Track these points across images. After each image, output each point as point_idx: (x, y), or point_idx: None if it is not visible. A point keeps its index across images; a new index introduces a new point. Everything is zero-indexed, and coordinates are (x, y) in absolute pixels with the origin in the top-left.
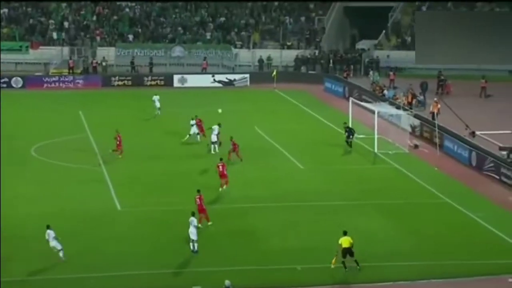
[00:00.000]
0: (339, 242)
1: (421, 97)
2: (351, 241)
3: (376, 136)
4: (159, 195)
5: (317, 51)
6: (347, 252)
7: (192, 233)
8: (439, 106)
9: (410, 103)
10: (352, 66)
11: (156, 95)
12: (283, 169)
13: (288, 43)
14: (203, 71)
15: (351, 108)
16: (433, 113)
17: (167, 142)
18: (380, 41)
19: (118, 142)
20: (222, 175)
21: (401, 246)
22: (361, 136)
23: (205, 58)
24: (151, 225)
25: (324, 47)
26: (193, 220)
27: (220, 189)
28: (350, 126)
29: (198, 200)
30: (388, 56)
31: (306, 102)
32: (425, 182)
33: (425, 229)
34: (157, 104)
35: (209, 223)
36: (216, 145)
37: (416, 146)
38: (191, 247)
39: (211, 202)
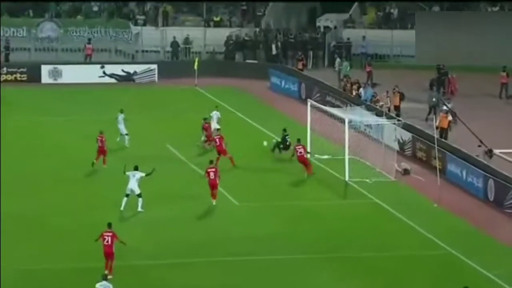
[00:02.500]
0: None
1: (449, 105)
2: None
3: (347, 157)
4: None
5: (258, 30)
6: None
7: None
8: (450, 118)
9: (397, 108)
10: (311, 53)
11: (217, 109)
12: (209, 206)
13: (215, 18)
14: (87, 60)
15: (310, 115)
16: (442, 129)
17: (35, 164)
18: (352, 16)
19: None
20: (213, 184)
21: None
22: (325, 157)
23: (89, 40)
24: None
25: (269, 24)
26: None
27: (214, 202)
28: (286, 138)
29: (108, 238)
30: (364, 37)
31: (243, 106)
32: (420, 225)
33: None
34: (216, 124)
35: (109, 276)
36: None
37: (406, 172)
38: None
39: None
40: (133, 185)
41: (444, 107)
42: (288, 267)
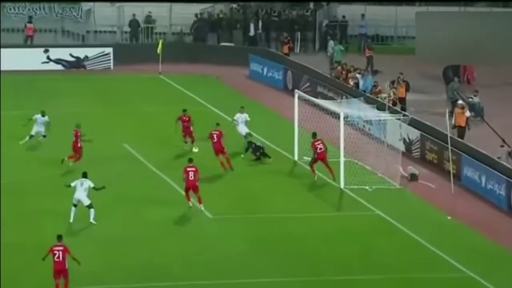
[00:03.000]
0: None
1: (474, 98)
2: None
3: (342, 160)
4: None
5: (235, 7)
6: None
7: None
8: (467, 114)
9: (402, 100)
10: (299, 34)
11: (242, 111)
12: (174, 219)
13: None
14: (28, 42)
15: (297, 109)
16: (459, 127)
17: None
18: None
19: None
20: (192, 186)
21: None
22: None
23: (30, 19)
24: None
25: None
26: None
27: (202, 207)
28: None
29: (59, 253)
30: (363, 15)
31: (217, 99)
32: (430, 242)
33: None
34: (242, 129)
35: None
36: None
37: (413, 177)
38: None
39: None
40: (80, 195)
41: (460, 102)
42: None
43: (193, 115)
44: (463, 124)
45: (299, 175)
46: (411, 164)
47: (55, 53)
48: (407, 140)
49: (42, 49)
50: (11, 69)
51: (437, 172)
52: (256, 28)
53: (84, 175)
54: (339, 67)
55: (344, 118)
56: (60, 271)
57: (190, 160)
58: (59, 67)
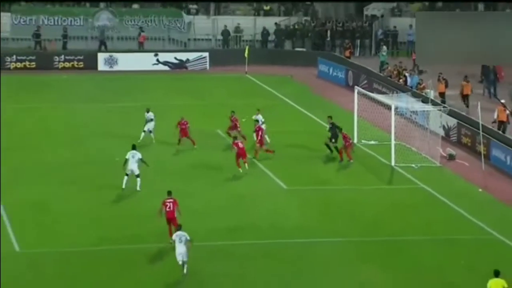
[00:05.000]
0: (488, 286)
1: None
2: (505, 285)
3: (393, 143)
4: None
5: (307, 19)
6: None
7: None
8: (508, 111)
9: (442, 94)
10: (358, 41)
11: (258, 113)
12: (254, 190)
13: (265, 7)
14: (141, 48)
15: (356, 101)
16: (501, 122)
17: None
18: (399, 5)
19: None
20: (242, 154)
21: None
22: (372, 142)
23: (143, 29)
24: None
25: (318, 13)
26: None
27: (247, 166)
28: (334, 123)
29: (170, 205)
30: (410, 26)
31: (292, 94)
32: (465, 209)
33: (467, 281)
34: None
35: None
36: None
37: (451, 157)
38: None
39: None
40: (133, 166)
41: (503, 100)
42: (328, 252)
43: (272, 107)
44: (505, 119)
45: (359, 155)
46: (450, 146)
47: (163, 56)
48: (446, 127)
49: (152, 53)
50: (127, 70)
51: (471, 153)
52: (324, 37)
53: (134, 147)
54: (389, 68)
55: (394, 109)
56: (171, 219)
57: (235, 137)
58: (166, 68)
